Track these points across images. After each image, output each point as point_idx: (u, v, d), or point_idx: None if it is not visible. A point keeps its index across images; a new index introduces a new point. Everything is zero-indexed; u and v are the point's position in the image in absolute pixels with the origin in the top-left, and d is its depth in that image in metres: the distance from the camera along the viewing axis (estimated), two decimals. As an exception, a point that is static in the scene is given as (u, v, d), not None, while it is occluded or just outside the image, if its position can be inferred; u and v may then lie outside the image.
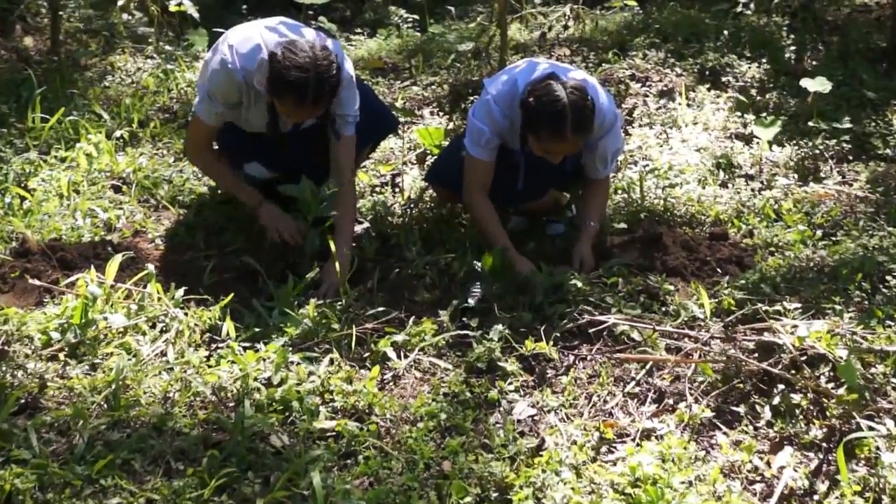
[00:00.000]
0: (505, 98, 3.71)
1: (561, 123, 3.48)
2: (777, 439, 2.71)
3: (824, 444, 2.67)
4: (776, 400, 2.81)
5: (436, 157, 4.55)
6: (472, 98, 5.49)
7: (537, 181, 3.87)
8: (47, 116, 5.06)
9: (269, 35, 3.68)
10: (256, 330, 3.26)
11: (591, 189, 3.97)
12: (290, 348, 3.12)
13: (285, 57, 3.45)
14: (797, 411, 2.78)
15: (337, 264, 3.53)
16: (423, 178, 4.43)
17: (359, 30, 7.33)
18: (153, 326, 3.24)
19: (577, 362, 3.14)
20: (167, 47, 6.46)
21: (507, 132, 3.75)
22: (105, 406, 2.79)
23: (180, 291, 3.38)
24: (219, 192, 4.35)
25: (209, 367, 3.02)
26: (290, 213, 3.89)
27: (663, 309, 3.36)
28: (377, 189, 4.66)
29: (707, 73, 5.87)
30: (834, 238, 3.95)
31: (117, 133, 5.02)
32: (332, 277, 3.57)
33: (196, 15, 6.35)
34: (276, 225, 3.82)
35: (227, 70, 3.65)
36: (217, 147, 4.05)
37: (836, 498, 2.50)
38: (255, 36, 3.68)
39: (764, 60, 5.96)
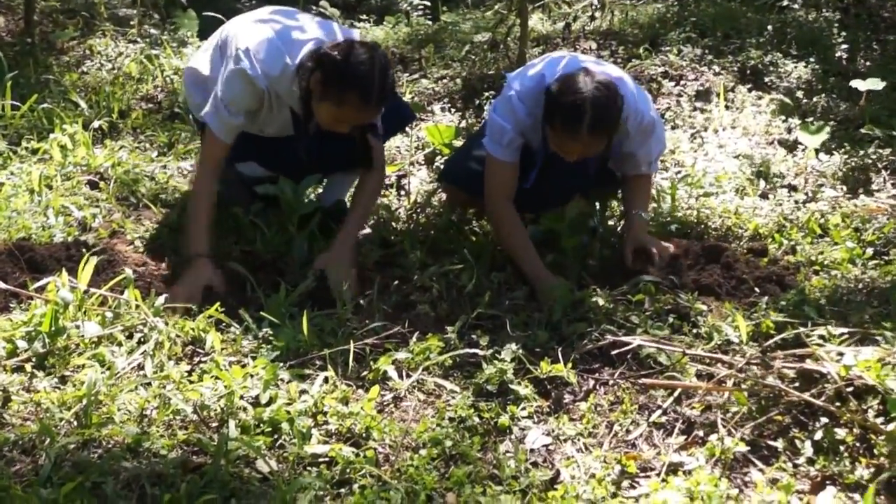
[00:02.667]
0: (530, 94, 3.73)
1: (578, 118, 3.50)
2: (818, 478, 2.70)
3: (871, 485, 2.66)
4: (818, 434, 2.80)
5: (450, 155, 4.56)
6: (487, 94, 5.52)
7: (551, 184, 3.88)
8: (18, 104, 5.09)
9: (277, 27, 3.73)
10: (244, 343, 3.27)
11: (632, 182, 4.00)
12: (281, 364, 3.12)
13: (344, 57, 3.52)
14: (841, 448, 2.76)
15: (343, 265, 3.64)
16: (437, 178, 4.45)
17: (364, 16, 7.38)
18: (130, 337, 3.25)
19: (597, 387, 3.14)
20: (152, 31, 6.51)
21: (530, 130, 3.77)
22: (75, 423, 2.80)
23: (161, 299, 3.39)
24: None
25: (191, 382, 3.02)
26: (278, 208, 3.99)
27: (694, 331, 3.36)
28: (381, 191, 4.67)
29: (748, 72, 5.88)
30: (886, 257, 3.94)
31: (95, 123, 5.05)
32: (338, 280, 3.64)
33: (184, -4, 6.40)
34: (185, 292, 3.59)
35: (247, 78, 3.67)
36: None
37: (883, 544, 2.50)
38: (272, 37, 3.70)
39: (812, 60, 5.97)
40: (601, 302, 3.45)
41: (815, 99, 5.53)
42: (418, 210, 4.36)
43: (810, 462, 2.76)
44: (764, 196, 4.55)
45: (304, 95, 3.64)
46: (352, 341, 3.25)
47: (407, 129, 4.97)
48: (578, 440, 2.89)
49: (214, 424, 2.86)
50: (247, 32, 3.76)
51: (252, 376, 3.02)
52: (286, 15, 3.88)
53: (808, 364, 3.00)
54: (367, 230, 4.16)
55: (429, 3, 7.26)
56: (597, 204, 4.18)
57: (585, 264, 3.86)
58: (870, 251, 3.98)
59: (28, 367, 3.06)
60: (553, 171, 3.82)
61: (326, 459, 2.75)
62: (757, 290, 3.66)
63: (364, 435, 2.86)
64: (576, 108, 3.50)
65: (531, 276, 3.72)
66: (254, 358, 3.15)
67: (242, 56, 3.66)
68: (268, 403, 2.92)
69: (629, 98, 3.70)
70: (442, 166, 4.70)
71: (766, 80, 5.80)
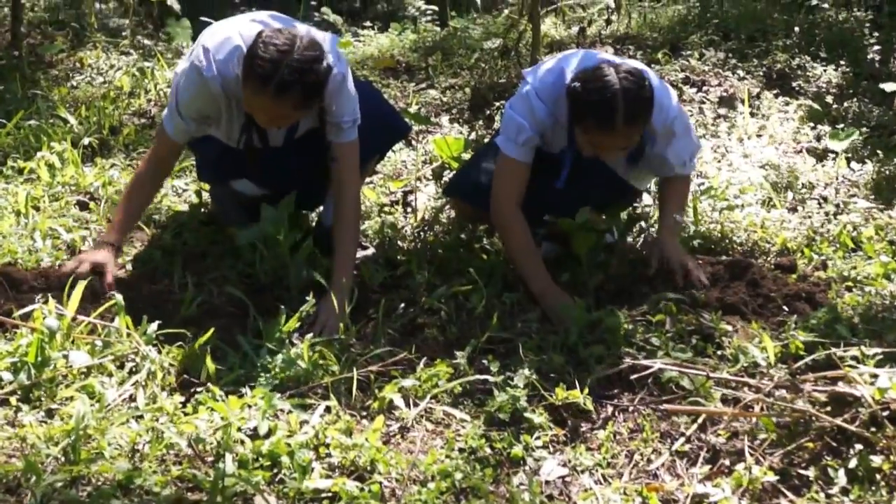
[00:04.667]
0: (549, 90, 3.73)
1: (611, 112, 3.49)
2: (853, 509, 2.69)
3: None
4: (852, 462, 2.79)
5: (458, 168, 4.57)
6: (497, 104, 5.53)
7: (584, 187, 3.86)
8: (4, 121, 5.11)
9: (249, 30, 3.68)
10: (241, 372, 3.27)
11: (666, 184, 4.01)
12: (280, 394, 3.12)
13: (264, 37, 3.48)
14: (878, 476, 2.75)
15: (334, 297, 3.54)
16: (443, 192, 4.45)
17: (369, 23, 7.41)
18: (121, 367, 3.25)
19: (616, 414, 3.13)
20: (145, 42, 6.56)
21: (549, 131, 3.78)
22: (62, 459, 2.79)
23: (153, 326, 3.38)
24: (202, 210, 4.38)
25: (185, 414, 3.02)
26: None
27: (719, 353, 3.35)
28: (386, 208, 4.68)
29: (774, 76, 5.89)
30: (923, 272, 3.93)
31: (85, 140, 5.07)
32: (328, 313, 3.58)
33: (177, 5, 6.43)
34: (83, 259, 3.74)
35: (202, 79, 3.65)
36: (200, 161, 4.12)
37: (923, 580, 2.48)
38: (234, 37, 3.67)
39: (842, 62, 5.97)
40: (619, 323, 3.44)
41: (845, 104, 5.54)
42: (426, 228, 4.37)
43: (844, 492, 2.74)
44: (792, 208, 4.54)
45: None
46: (355, 368, 3.25)
47: (412, 142, 4.99)
48: (597, 471, 2.88)
49: (210, 459, 2.85)
50: (212, 32, 3.75)
51: (250, 407, 3.02)
52: (271, 18, 3.81)
53: (841, 387, 2.99)
54: (372, 250, 4.16)
55: (437, 9, 7.30)
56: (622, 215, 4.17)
57: (601, 283, 3.85)
58: (905, 265, 3.96)
59: (13, 399, 3.05)
60: (584, 172, 3.80)
61: (329, 495, 2.74)
62: (785, 308, 3.66)
63: (369, 468, 2.85)
64: (607, 102, 3.49)
65: (538, 290, 3.72)
66: (252, 387, 3.15)
67: (202, 55, 3.66)
68: (266, 436, 2.91)
69: (660, 94, 3.69)
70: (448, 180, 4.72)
71: (794, 84, 5.80)
